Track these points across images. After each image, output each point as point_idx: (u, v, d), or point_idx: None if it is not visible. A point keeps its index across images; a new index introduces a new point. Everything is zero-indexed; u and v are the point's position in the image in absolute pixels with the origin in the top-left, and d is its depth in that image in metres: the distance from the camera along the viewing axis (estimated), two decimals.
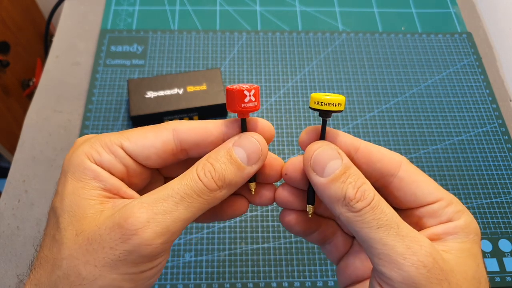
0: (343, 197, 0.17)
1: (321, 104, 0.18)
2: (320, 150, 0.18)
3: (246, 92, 0.18)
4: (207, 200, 0.17)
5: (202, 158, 0.18)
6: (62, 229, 0.17)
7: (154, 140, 0.18)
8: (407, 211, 0.19)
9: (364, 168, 0.19)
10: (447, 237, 0.18)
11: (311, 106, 0.19)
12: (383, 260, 0.16)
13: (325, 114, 0.19)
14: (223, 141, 0.19)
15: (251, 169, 0.18)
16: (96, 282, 0.16)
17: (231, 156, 0.18)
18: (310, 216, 0.20)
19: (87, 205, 0.17)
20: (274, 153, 0.24)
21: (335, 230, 0.22)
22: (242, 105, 0.18)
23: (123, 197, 0.18)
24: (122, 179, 0.18)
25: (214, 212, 0.21)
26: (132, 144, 0.18)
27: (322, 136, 0.19)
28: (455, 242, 0.17)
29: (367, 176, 0.18)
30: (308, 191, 0.20)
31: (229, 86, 0.18)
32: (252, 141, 0.18)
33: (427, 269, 0.16)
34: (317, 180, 0.17)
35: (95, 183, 0.17)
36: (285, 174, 0.20)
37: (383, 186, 0.19)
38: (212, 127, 0.19)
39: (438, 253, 0.16)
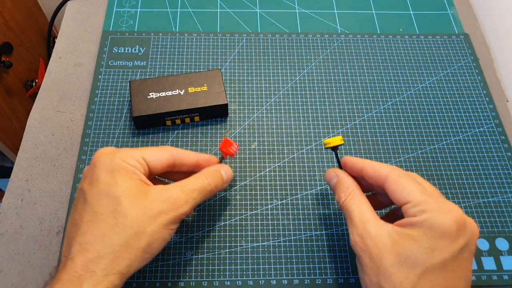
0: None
1: (327, 145, 0.32)
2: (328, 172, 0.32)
3: (235, 151, 0.32)
4: (208, 193, 0.30)
5: (207, 172, 0.30)
6: (125, 203, 0.25)
7: (161, 157, 0.29)
8: (402, 207, 0.27)
9: (366, 180, 0.29)
10: (407, 225, 0.26)
11: (325, 148, 0.32)
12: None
13: (332, 149, 0.32)
14: (197, 167, 0.31)
15: (227, 183, 0.32)
16: (155, 233, 0.26)
17: (220, 175, 0.31)
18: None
19: (135, 186, 0.26)
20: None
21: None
22: (234, 151, 0.33)
23: (149, 185, 0.28)
24: None
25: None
26: (150, 157, 0.28)
27: (338, 162, 0.32)
28: (410, 229, 0.25)
29: (371, 184, 0.29)
30: (338, 164, 0.32)
31: (229, 139, 0.32)
32: (228, 169, 0.32)
33: (360, 243, 0.26)
34: (332, 182, 0.32)
35: (134, 175, 0.27)
36: (343, 166, 0.32)
37: (384, 190, 0.28)
38: (193, 156, 0.31)
39: (367, 232, 0.26)
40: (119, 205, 0.25)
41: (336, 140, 0.31)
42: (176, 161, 0.30)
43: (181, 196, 0.27)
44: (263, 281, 0.33)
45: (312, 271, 0.34)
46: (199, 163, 0.31)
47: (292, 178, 0.38)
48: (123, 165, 0.27)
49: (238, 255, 0.34)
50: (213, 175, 0.30)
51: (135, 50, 0.45)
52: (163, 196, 0.26)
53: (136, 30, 0.47)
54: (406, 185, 0.26)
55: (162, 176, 0.33)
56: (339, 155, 0.32)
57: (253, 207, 0.36)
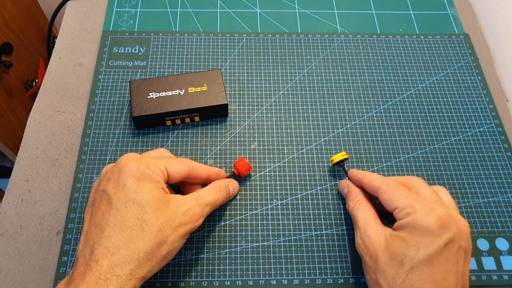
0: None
1: (333, 161, 0.37)
2: (342, 183, 0.37)
3: (248, 172, 0.37)
4: (216, 207, 0.32)
5: (217, 186, 0.32)
6: (150, 212, 0.27)
7: (181, 169, 0.31)
8: (393, 213, 0.30)
9: (366, 190, 0.33)
10: (398, 228, 0.29)
11: (333, 164, 0.37)
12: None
13: (338, 164, 0.37)
14: (207, 180, 0.33)
15: (232, 196, 0.35)
16: (174, 242, 0.28)
17: (228, 190, 0.34)
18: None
19: (159, 195, 0.28)
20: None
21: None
22: (246, 173, 0.37)
23: (168, 194, 0.29)
24: None
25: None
26: (171, 169, 0.30)
27: (346, 174, 0.36)
28: (400, 231, 0.28)
29: (369, 193, 0.33)
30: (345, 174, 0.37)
31: (246, 160, 0.36)
32: (236, 184, 0.36)
33: (362, 245, 0.30)
34: (344, 192, 0.36)
35: (158, 184, 0.28)
36: (349, 178, 0.36)
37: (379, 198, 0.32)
38: (206, 171, 0.33)
39: (367, 235, 0.30)
40: (145, 213, 0.27)
41: (339, 156, 0.36)
42: (191, 174, 0.32)
43: (198, 210, 0.29)
44: (263, 281, 0.33)
45: (312, 271, 0.34)
46: (210, 177, 0.33)
47: (292, 178, 0.38)
48: (150, 174, 0.28)
49: (238, 255, 0.34)
50: (222, 190, 0.32)
51: (135, 50, 0.45)
52: (183, 208, 0.28)
53: (136, 30, 0.47)
54: (393, 193, 0.30)
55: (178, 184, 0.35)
56: (346, 167, 0.37)
57: (253, 207, 0.36)
